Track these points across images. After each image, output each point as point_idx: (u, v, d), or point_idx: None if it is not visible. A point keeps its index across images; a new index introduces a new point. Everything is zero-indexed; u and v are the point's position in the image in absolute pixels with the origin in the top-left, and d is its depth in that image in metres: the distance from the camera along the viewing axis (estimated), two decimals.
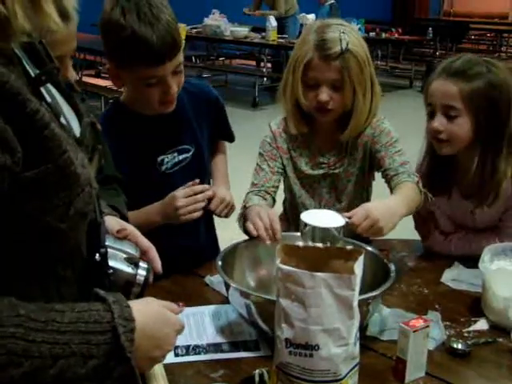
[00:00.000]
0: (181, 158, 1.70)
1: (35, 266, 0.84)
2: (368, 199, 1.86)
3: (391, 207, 1.49)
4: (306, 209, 1.85)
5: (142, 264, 1.05)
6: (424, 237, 1.86)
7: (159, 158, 1.67)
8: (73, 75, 1.26)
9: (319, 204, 1.85)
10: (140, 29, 1.43)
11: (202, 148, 1.75)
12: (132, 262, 1.03)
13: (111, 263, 0.99)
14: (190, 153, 1.72)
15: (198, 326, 1.37)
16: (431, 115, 1.68)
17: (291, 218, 1.93)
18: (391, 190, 1.67)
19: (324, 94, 1.67)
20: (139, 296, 1.03)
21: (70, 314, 0.80)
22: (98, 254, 0.95)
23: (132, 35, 1.43)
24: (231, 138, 1.90)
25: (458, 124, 1.63)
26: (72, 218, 0.83)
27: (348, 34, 1.66)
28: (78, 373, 0.78)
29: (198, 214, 1.56)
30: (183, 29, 7.02)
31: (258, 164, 1.83)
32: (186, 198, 1.55)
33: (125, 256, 1.03)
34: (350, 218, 1.41)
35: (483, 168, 1.66)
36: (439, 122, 1.65)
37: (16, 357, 0.74)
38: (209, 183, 1.79)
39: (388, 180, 1.70)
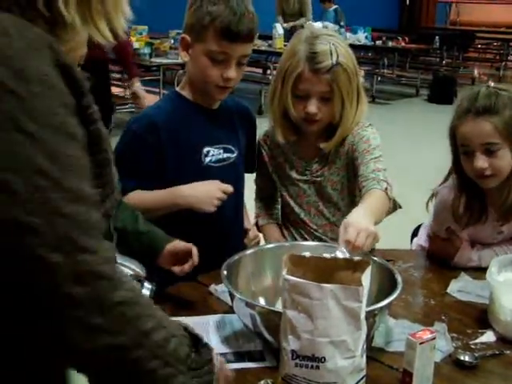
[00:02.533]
0: (225, 156, 1.74)
1: None
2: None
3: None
4: (296, 218, 1.87)
5: (147, 284, 1.09)
6: (450, 255, 1.83)
7: (205, 149, 1.70)
8: None
9: (309, 214, 1.86)
10: (231, 2, 1.56)
11: (241, 155, 1.80)
12: (137, 279, 1.05)
13: None
14: (234, 155, 1.77)
15: (203, 336, 1.35)
16: (467, 154, 1.67)
17: (284, 226, 1.96)
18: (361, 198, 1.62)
19: (313, 106, 1.69)
20: None
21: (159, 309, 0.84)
22: None
23: (223, 5, 1.56)
24: (253, 169, 1.95)
25: (500, 157, 1.64)
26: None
27: (338, 47, 1.69)
28: (181, 355, 0.81)
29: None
30: None
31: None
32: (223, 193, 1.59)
33: (131, 273, 1.04)
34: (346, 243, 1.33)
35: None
36: (482, 160, 1.64)
37: (158, 322, 0.79)
38: (243, 193, 1.87)
39: (359, 187, 1.67)
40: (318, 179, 1.83)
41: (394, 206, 1.67)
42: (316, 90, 1.69)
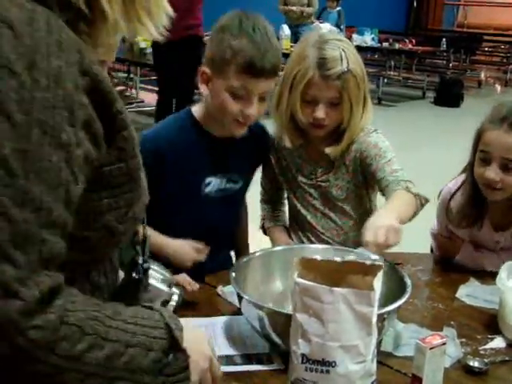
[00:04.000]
0: (228, 186, 1.71)
1: (78, 265, 0.83)
2: (372, 214, 1.87)
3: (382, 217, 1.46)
4: (303, 221, 1.86)
5: (175, 289, 1.13)
6: (452, 254, 1.85)
7: (207, 179, 1.67)
8: None
9: (316, 217, 1.86)
10: (255, 37, 1.51)
11: (247, 185, 1.78)
12: (168, 285, 1.10)
13: (150, 281, 1.04)
14: (238, 185, 1.73)
15: (211, 338, 1.35)
16: (484, 161, 1.66)
17: (291, 229, 1.96)
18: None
19: (321, 112, 1.68)
20: None
21: (128, 310, 0.81)
22: (141, 268, 0.98)
23: (246, 39, 1.50)
24: None
25: None
26: (128, 220, 0.84)
27: (347, 52, 1.67)
28: (142, 364, 0.78)
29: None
30: None
31: None
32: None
33: (162, 277, 1.09)
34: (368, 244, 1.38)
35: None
36: (495, 172, 1.63)
37: (100, 339, 0.73)
38: (238, 216, 1.86)
39: (382, 192, 1.69)
40: (323, 184, 1.83)
41: (423, 201, 1.65)
42: (325, 96, 1.68)
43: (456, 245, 1.82)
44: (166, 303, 1.09)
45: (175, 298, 1.16)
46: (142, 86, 7.79)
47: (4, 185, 0.66)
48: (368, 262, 1.00)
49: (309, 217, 1.87)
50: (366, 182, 1.80)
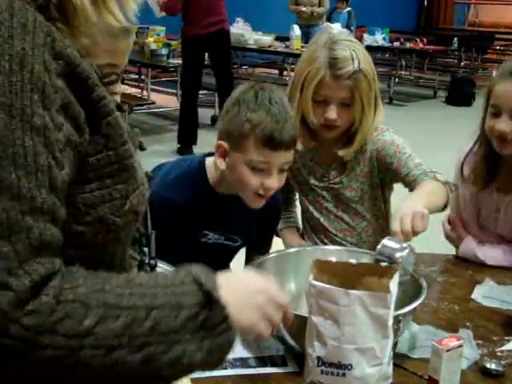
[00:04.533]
0: (225, 242, 1.66)
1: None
2: (387, 214, 1.86)
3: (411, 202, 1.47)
4: (316, 223, 1.85)
5: None
6: (455, 240, 1.87)
7: (204, 232, 1.62)
8: (121, 89, 1.23)
9: (329, 219, 1.85)
10: (273, 109, 1.46)
11: (247, 243, 1.74)
12: None
13: None
14: (236, 244, 1.69)
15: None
16: (495, 115, 1.67)
17: (304, 230, 1.96)
18: None
19: (332, 112, 1.67)
20: None
21: (144, 276, 0.78)
22: (148, 266, 0.96)
23: (264, 112, 1.46)
24: (265, 252, 1.78)
25: None
26: (126, 214, 0.80)
27: (358, 52, 1.67)
28: (172, 324, 0.73)
29: None
30: None
31: None
32: None
33: None
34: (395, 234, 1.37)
35: None
36: (506, 124, 1.63)
37: (112, 309, 0.70)
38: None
39: (409, 187, 1.68)
40: (336, 186, 1.82)
41: (453, 187, 1.68)
42: (336, 96, 1.67)
43: (458, 235, 1.85)
44: None
45: None
46: (153, 87, 7.80)
47: None
48: (383, 264, 0.99)
49: (322, 219, 1.86)
50: (383, 181, 1.79)
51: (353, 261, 1.04)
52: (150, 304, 0.72)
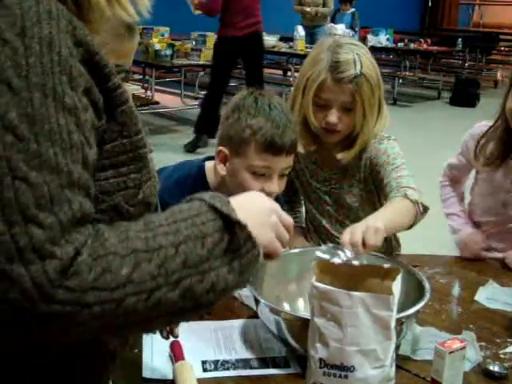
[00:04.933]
0: None
1: None
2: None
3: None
4: (319, 224, 1.85)
5: None
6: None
7: None
8: (129, 90, 1.26)
9: (330, 221, 1.86)
10: (272, 114, 1.48)
11: None
12: None
13: None
14: None
15: (227, 341, 1.35)
16: None
17: (308, 231, 1.96)
18: None
19: (334, 116, 1.66)
20: None
21: (161, 214, 0.78)
22: None
23: (264, 118, 1.47)
24: None
25: None
26: (139, 203, 0.82)
27: (361, 57, 1.66)
28: (202, 254, 0.75)
29: None
30: (211, 38, 7.03)
31: None
32: None
33: None
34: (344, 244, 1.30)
35: None
36: None
37: (142, 254, 0.71)
38: None
39: (384, 199, 1.67)
40: (337, 191, 1.81)
41: (421, 208, 1.60)
42: (338, 100, 1.66)
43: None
44: None
45: None
46: (157, 87, 7.81)
47: (17, 150, 0.66)
48: (386, 266, 0.99)
49: (324, 221, 1.86)
50: (377, 189, 1.79)
51: (355, 262, 1.04)
52: (176, 240, 0.73)
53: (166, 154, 5.18)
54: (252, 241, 0.79)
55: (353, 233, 1.31)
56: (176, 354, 1.24)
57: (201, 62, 6.92)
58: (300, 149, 1.78)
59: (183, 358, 1.22)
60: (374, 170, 1.72)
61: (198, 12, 6.00)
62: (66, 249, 0.66)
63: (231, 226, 0.78)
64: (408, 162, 1.70)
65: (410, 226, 1.57)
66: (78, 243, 0.67)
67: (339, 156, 1.75)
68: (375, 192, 1.80)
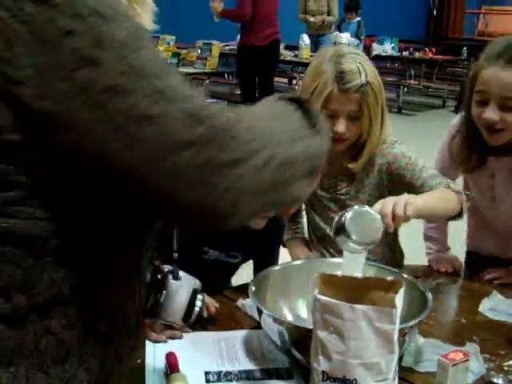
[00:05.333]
0: (226, 259, 1.73)
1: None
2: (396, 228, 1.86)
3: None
4: (323, 233, 1.86)
5: (199, 295, 1.19)
6: None
7: (207, 249, 1.70)
8: None
9: None
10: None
11: (247, 259, 1.79)
12: (194, 291, 1.17)
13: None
14: (236, 260, 1.75)
15: (230, 351, 1.35)
16: (482, 102, 1.61)
17: (311, 241, 1.95)
18: None
19: (341, 126, 1.68)
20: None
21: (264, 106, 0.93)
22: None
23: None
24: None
25: None
26: None
27: (365, 66, 1.68)
28: (300, 128, 0.89)
29: None
30: (216, 46, 7.07)
31: None
32: None
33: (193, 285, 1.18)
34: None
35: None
36: (494, 112, 1.57)
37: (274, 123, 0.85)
38: None
39: None
40: (343, 197, 1.82)
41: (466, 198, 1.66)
42: (345, 110, 1.67)
43: None
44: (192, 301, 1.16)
45: (199, 303, 1.18)
46: None
47: (141, 56, 0.73)
48: (389, 278, 0.99)
49: (328, 230, 1.86)
50: (391, 194, 1.79)
51: (358, 275, 1.04)
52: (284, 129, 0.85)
53: None
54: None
55: (384, 203, 1.38)
56: (171, 365, 1.23)
57: (206, 71, 6.95)
58: None
59: (178, 370, 1.22)
60: (396, 173, 1.74)
61: (219, 19, 6.22)
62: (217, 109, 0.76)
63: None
64: None
65: (458, 215, 1.62)
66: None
67: (350, 166, 1.77)
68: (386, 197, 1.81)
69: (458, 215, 1.63)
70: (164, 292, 1.13)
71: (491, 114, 1.57)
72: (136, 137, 0.71)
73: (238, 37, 8.45)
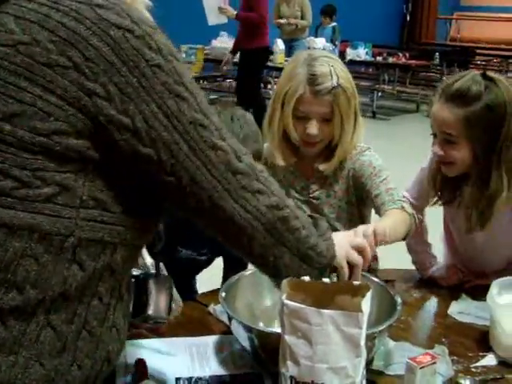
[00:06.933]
0: (197, 257, 1.81)
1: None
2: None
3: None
4: None
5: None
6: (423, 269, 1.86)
7: (180, 248, 1.78)
8: None
9: None
10: (235, 127, 1.59)
11: (215, 257, 1.89)
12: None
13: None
14: (205, 258, 1.84)
15: (201, 357, 1.34)
16: (434, 136, 1.66)
17: None
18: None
19: (314, 128, 1.70)
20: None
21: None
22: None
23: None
24: None
25: (456, 149, 1.60)
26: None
27: (337, 68, 1.70)
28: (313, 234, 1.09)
29: None
30: (201, 50, 7.08)
31: None
32: None
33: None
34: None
35: (480, 184, 1.63)
36: (439, 146, 1.63)
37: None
38: None
39: (376, 210, 1.71)
40: (315, 201, 1.83)
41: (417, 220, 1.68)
42: (317, 112, 1.69)
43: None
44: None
45: (176, 296, 1.28)
46: None
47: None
48: (356, 283, 1.00)
49: None
50: (359, 200, 1.81)
51: (326, 279, 1.05)
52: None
53: None
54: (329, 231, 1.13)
55: (365, 228, 1.37)
56: (140, 372, 1.23)
57: (192, 74, 6.98)
58: (280, 162, 1.81)
59: (147, 377, 1.21)
60: (359, 181, 1.76)
61: (214, 23, 6.40)
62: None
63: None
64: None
65: (405, 237, 1.64)
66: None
67: (321, 167, 1.78)
68: (356, 203, 1.82)
69: (405, 237, 1.64)
70: (149, 293, 1.17)
71: (436, 148, 1.64)
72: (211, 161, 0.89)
73: (213, 41, 8.48)
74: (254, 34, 6.30)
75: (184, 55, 7.17)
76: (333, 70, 1.68)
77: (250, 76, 6.63)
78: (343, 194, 1.80)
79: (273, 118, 1.76)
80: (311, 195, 1.83)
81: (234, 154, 0.91)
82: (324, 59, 1.72)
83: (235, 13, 6.46)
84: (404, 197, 1.69)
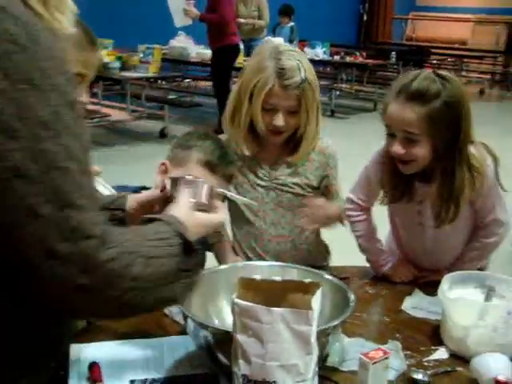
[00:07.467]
0: None
1: None
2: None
3: None
4: (250, 230, 1.89)
5: None
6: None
7: None
8: (85, 100, 1.44)
9: (265, 222, 1.89)
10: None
11: None
12: None
13: None
14: None
15: (156, 359, 1.34)
16: (391, 135, 1.67)
17: (234, 243, 1.97)
18: None
19: (280, 120, 1.75)
20: None
21: (148, 228, 0.96)
22: None
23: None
24: None
25: (417, 147, 1.62)
26: None
27: (303, 62, 1.75)
28: (173, 268, 0.96)
29: None
30: (159, 50, 7.04)
31: None
32: None
33: None
34: None
35: (445, 181, 1.66)
36: (398, 146, 1.64)
37: (145, 259, 0.88)
38: None
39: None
40: (279, 187, 1.87)
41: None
42: (284, 105, 1.74)
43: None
44: None
45: None
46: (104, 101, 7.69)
47: (57, 144, 0.75)
48: (307, 280, 1.00)
49: (257, 223, 1.88)
50: (323, 187, 1.89)
51: (277, 278, 1.05)
52: (161, 254, 0.92)
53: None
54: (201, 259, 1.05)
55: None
56: (94, 376, 1.22)
57: (149, 75, 6.94)
58: (245, 151, 1.83)
59: (101, 380, 1.21)
60: (324, 170, 1.88)
61: (181, 24, 6.47)
62: (98, 228, 0.79)
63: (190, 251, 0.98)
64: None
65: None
66: (103, 222, 0.81)
67: (290, 160, 1.85)
68: (320, 191, 1.90)
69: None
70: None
71: (396, 147, 1.64)
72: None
73: (171, 41, 8.43)
74: (220, 33, 6.42)
75: (142, 55, 7.11)
76: (300, 64, 1.73)
77: (221, 73, 6.73)
78: (307, 181, 1.88)
79: (237, 110, 1.80)
80: (274, 181, 1.86)
81: None
82: (291, 53, 1.76)
83: (199, 14, 6.53)
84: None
